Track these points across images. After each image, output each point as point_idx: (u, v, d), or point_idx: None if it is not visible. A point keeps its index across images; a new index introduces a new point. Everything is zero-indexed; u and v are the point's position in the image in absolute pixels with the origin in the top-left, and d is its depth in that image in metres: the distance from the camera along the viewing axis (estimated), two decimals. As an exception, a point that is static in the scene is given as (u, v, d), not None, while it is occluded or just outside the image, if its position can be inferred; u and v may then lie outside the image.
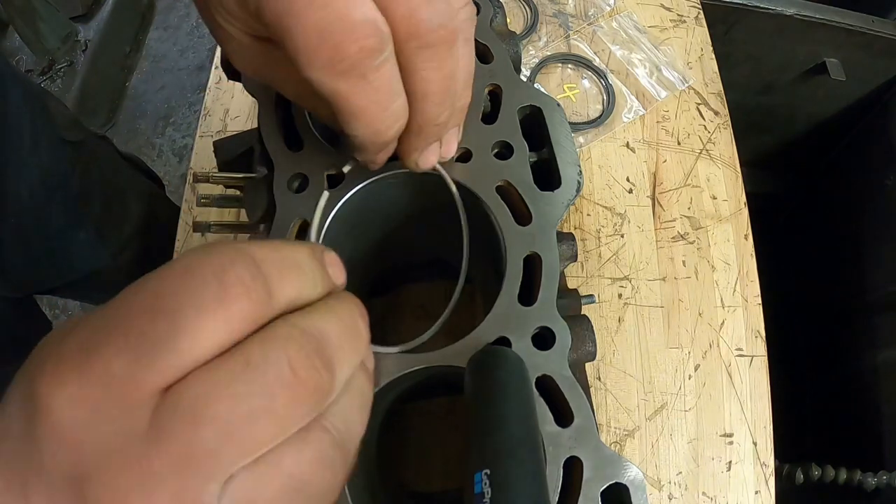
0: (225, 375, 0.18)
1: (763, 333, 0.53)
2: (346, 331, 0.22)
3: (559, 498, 0.28)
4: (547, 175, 0.35)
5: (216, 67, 0.66)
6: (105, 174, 0.71)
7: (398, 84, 0.25)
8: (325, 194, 0.33)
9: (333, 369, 0.20)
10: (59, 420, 0.17)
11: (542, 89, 0.61)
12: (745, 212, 0.58)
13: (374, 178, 0.35)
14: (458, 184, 0.34)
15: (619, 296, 0.54)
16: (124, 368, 0.17)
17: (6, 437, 0.18)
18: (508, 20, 0.65)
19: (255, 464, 0.18)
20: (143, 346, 0.17)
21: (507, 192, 0.34)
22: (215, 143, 0.41)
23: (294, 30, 0.22)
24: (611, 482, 0.28)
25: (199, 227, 0.39)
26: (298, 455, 0.19)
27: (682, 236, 0.56)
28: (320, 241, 0.33)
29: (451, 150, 0.32)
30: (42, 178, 0.61)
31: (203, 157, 0.61)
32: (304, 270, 0.22)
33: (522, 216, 0.34)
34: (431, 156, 0.30)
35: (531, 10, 0.68)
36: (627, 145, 0.60)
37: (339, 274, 0.24)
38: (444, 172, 0.33)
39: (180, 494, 0.17)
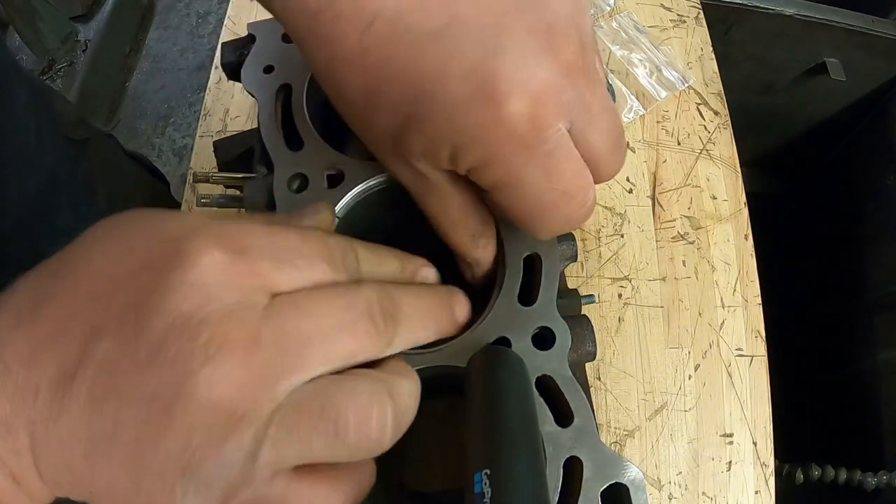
0: (327, 296, 0.23)
1: (763, 333, 0.53)
2: (419, 309, 0.27)
3: (559, 498, 0.28)
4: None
5: (216, 67, 0.66)
6: (110, 172, 0.72)
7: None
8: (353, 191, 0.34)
9: (398, 327, 0.25)
10: (202, 274, 0.21)
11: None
12: (745, 212, 0.58)
13: (375, 180, 0.35)
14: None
15: (619, 296, 0.54)
16: (265, 267, 0.22)
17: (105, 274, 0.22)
18: (508, 20, 0.65)
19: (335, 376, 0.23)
20: (282, 262, 0.23)
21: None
22: (215, 143, 0.41)
23: (542, 218, 0.28)
24: (611, 482, 0.28)
25: (199, 227, 0.39)
26: (356, 380, 0.23)
27: (682, 236, 0.56)
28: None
29: None
30: (48, 176, 0.61)
31: (203, 157, 0.61)
32: (391, 262, 0.29)
33: (522, 216, 0.34)
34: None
35: (531, 10, 0.67)
36: (627, 145, 0.60)
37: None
38: None
39: (274, 364, 0.21)
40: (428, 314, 0.27)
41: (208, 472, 0.20)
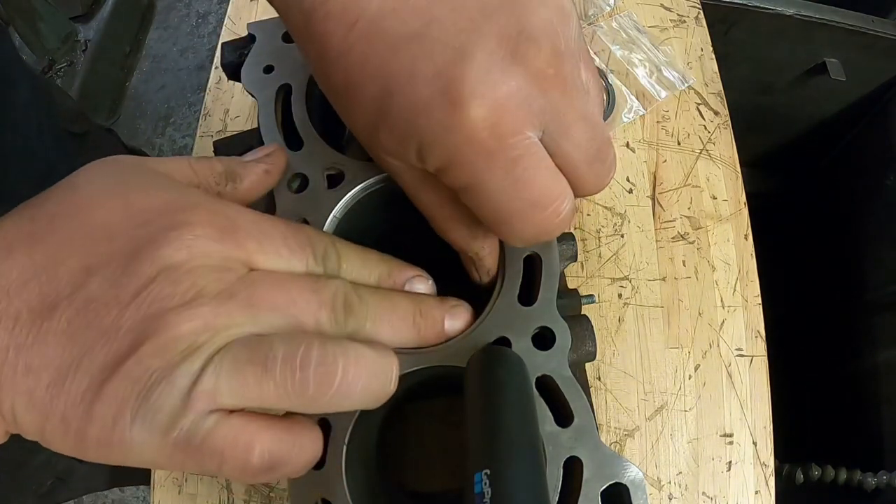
0: (299, 279, 0.26)
1: (763, 333, 0.53)
2: (390, 312, 0.29)
3: (559, 498, 0.28)
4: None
5: (216, 67, 0.66)
6: None
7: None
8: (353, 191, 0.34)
9: (358, 321, 0.27)
10: (193, 239, 0.24)
11: (542, 89, 0.61)
12: (745, 212, 0.58)
13: (375, 180, 0.35)
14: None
15: (619, 296, 0.54)
16: (250, 246, 0.25)
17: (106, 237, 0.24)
18: (508, 20, 0.65)
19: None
20: (267, 244, 0.26)
21: (507, 192, 0.34)
22: (215, 143, 0.41)
23: (511, 223, 0.28)
24: (611, 482, 0.28)
25: (199, 227, 0.39)
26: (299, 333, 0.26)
27: (682, 236, 0.56)
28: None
29: None
30: (49, 170, 0.61)
31: (203, 157, 0.61)
32: (370, 280, 0.30)
33: (522, 216, 0.34)
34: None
35: (531, 10, 0.67)
36: (627, 145, 0.60)
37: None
38: None
39: (237, 310, 0.24)
40: (400, 317, 0.29)
41: (157, 396, 0.22)
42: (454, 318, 0.31)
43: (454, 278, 0.52)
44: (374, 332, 0.28)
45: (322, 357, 0.24)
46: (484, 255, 0.33)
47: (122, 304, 0.23)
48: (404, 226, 0.41)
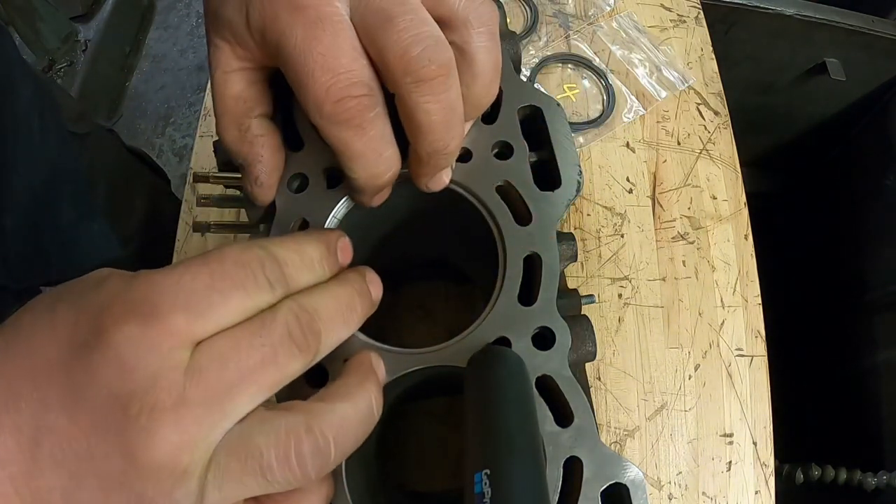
0: (245, 334, 0.24)
1: (763, 333, 0.53)
2: (338, 308, 0.28)
3: (559, 498, 0.28)
4: (547, 175, 0.35)
5: (216, 67, 0.66)
6: (110, 166, 0.72)
7: (390, 135, 0.30)
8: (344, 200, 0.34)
9: (319, 337, 0.26)
10: (120, 351, 0.22)
11: (542, 89, 0.61)
12: (745, 212, 0.58)
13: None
14: (457, 183, 0.34)
15: (619, 296, 0.54)
16: (179, 323, 0.23)
17: (37, 354, 0.23)
18: (508, 20, 0.65)
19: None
20: (195, 310, 0.23)
21: (507, 192, 0.34)
22: (215, 143, 0.41)
23: (307, 85, 0.27)
24: (611, 482, 0.28)
25: (199, 227, 0.39)
26: (276, 417, 0.25)
27: (682, 236, 0.56)
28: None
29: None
30: (51, 170, 0.61)
31: (203, 157, 0.61)
32: (315, 266, 0.28)
33: (522, 216, 0.34)
34: (443, 177, 0.33)
35: (531, 10, 0.68)
36: (627, 145, 0.60)
37: (346, 257, 0.30)
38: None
39: (204, 418, 0.22)
40: (347, 310, 0.29)
41: None
42: (374, 283, 0.31)
43: (454, 278, 0.52)
44: (335, 338, 0.28)
45: (314, 445, 0.24)
46: (248, 161, 0.32)
47: (87, 435, 0.22)
48: (404, 226, 0.41)
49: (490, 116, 0.36)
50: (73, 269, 0.69)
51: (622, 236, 0.56)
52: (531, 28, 0.66)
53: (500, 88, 0.37)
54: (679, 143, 0.60)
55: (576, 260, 0.36)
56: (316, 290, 0.28)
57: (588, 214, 0.57)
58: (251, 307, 0.25)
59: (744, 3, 0.84)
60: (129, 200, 0.74)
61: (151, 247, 0.76)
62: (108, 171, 0.70)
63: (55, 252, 0.65)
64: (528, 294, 0.32)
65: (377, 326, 0.48)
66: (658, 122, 0.61)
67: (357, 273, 0.31)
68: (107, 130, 0.75)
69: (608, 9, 0.68)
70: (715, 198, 0.58)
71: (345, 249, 0.30)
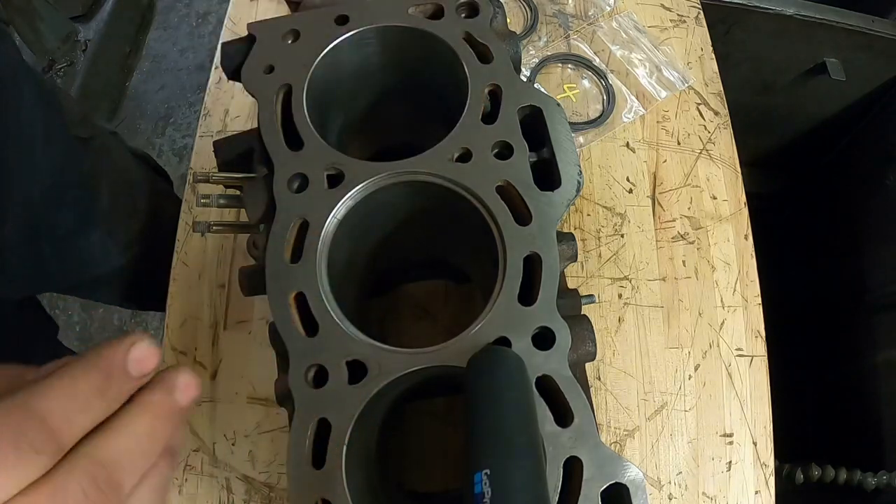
0: None
1: (763, 333, 0.53)
2: (138, 446, 0.26)
3: (559, 498, 0.28)
4: (547, 175, 0.35)
5: (216, 67, 0.66)
6: (115, 169, 0.71)
7: None
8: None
9: (121, 488, 0.25)
10: None
11: (542, 89, 0.61)
12: (745, 212, 0.58)
13: (375, 180, 0.35)
14: (457, 183, 0.34)
15: (619, 296, 0.54)
16: None
17: None
18: (508, 20, 0.65)
19: None
20: None
21: (507, 192, 0.34)
22: (215, 143, 0.41)
23: None
24: (611, 482, 0.28)
25: (199, 227, 0.39)
26: None
27: (682, 236, 0.56)
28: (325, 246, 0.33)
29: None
30: (54, 178, 0.60)
31: (203, 157, 0.61)
32: (93, 403, 0.25)
33: (522, 216, 0.34)
34: None
35: (531, 10, 0.68)
36: (627, 145, 0.60)
37: (145, 365, 0.26)
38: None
39: None
40: (149, 442, 0.26)
41: None
42: (181, 389, 0.28)
43: (454, 278, 0.52)
44: (136, 479, 0.26)
45: None
46: None
47: None
48: (404, 226, 0.41)
49: (490, 116, 0.36)
50: (71, 279, 0.68)
51: (622, 236, 0.56)
52: (531, 28, 0.66)
53: (500, 88, 0.37)
54: (679, 143, 0.60)
55: (576, 260, 0.36)
56: (109, 431, 0.25)
57: (588, 214, 0.57)
58: (28, 479, 0.23)
59: (744, 3, 0.84)
60: (133, 204, 0.73)
61: (152, 251, 0.75)
62: (112, 175, 0.70)
63: (54, 262, 0.64)
64: (528, 294, 0.32)
65: (377, 326, 0.48)
66: (658, 122, 0.61)
67: (161, 388, 0.27)
68: (110, 133, 0.75)
69: (608, 9, 0.68)
70: (715, 198, 0.58)
71: (141, 361, 0.26)
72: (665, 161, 0.59)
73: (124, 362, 0.26)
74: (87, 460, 0.24)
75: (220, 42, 0.43)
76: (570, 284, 0.53)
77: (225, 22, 0.67)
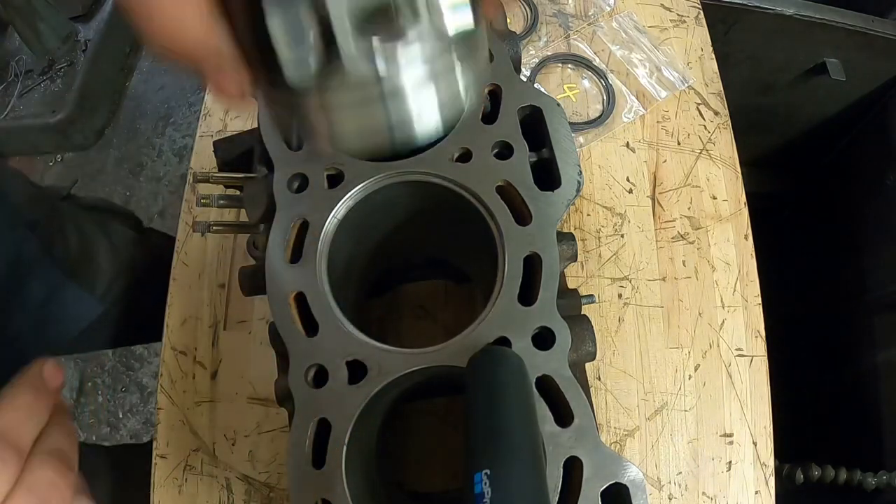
0: None
1: (763, 333, 0.53)
2: (52, 467, 0.32)
3: (559, 498, 0.28)
4: (547, 175, 0.35)
5: (216, 67, 0.66)
6: (73, 235, 0.68)
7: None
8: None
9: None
10: None
11: (542, 89, 0.61)
12: (745, 212, 0.58)
13: (375, 180, 0.35)
14: (457, 183, 0.34)
15: (619, 296, 0.54)
16: None
17: None
18: (508, 20, 0.65)
19: None
20: None
21: (507, 192, 0.34)
22: (215, 143, 0.41)
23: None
24: (611, 482, 0.28)
25: (199, 227, 0.39)
26: None
27: (682, 236, 0.56)
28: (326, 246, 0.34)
29: None
30: (11, 263, 0.59)
31: (203, 157, 0.61)
32: (33, 412, 0.32)
33: (522, 216, 0.34)
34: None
35: (531, 10, 0.68)
36: (627, 145, 0.60)
37: (57, 378, 0.35)
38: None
39: None
40: (59, 458, 0.32)
41: None
42: (49, 380, 0.34)
43: (454, 278, 0.52)
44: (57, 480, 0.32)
45: None
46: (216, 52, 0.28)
47: None
48: (404, 226, 0.41)
49: (490, 116, 0.36)
50: (61, 341, 0.68)
51: (622, 236, 0.56)
52: (531, 28, 0.66)
53: (500, 88, 0.37)
54: (679, 143, 0.60)
55: (576, 260, 0.36)
56: (27, 469, 0.31)
57: (588, 214, 0.57)
58: (8, 485, 0.29)
59: (744, 3, 0.84)
60: (91, 262, 0.71)
61: (133, 288, 0.72)
62: (71, 240, 0.68)
63: (29, 334, 0.63)
64: (528, 294, 0.32)
65: (377, 326, 0.48)
66: (658, 122, 0.61)
67: (42, 396, 0.33)
68: (62, 199, 0.72)
69: (608, 9, 0.68)
70: (715, 198, 0.58)
71: (51, 377, 0.34)
72: (665, 161, 0.59)
73: (41, 379, 0.33)
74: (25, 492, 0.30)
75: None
76: (570, 284, 0.53)
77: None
